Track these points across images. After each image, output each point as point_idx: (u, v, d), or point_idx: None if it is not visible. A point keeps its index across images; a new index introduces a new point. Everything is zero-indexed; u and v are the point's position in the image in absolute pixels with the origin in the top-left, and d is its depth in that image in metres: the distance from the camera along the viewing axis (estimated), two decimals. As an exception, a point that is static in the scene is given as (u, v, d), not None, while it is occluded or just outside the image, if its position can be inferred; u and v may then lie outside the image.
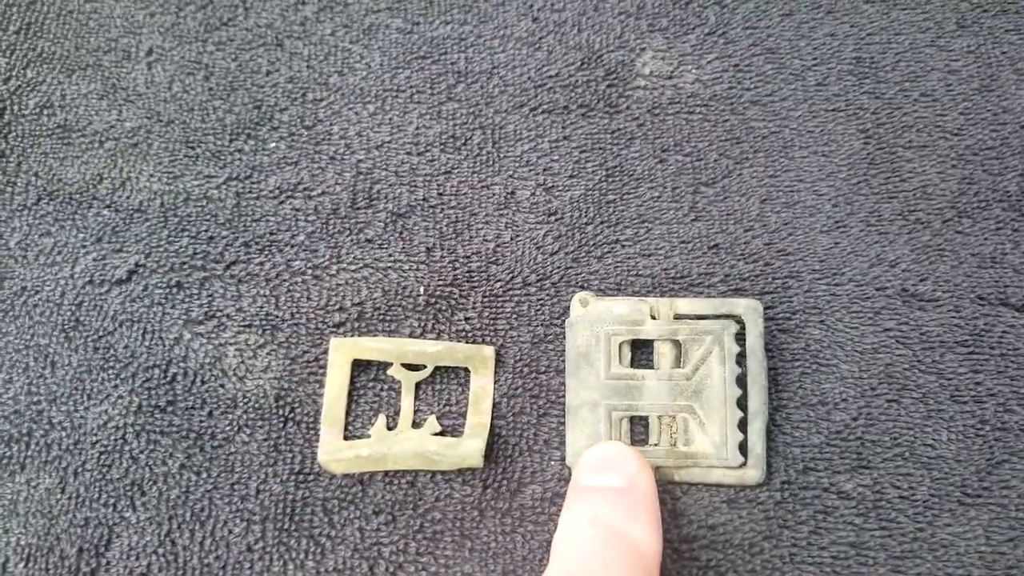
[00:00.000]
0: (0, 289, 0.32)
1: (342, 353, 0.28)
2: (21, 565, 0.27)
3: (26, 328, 0.31)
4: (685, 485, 0.25)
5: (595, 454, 0.23)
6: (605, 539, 0.20)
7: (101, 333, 0.31)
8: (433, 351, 0.28)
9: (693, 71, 0.33)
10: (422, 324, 0.29)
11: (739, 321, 0.27)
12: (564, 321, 0.29)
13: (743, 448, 0.25)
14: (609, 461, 0.23)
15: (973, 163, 0.30)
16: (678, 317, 0.27)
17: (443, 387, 0.28)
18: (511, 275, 0.30)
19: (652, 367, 0.27)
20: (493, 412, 0.27)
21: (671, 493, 0.26)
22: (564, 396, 0.27)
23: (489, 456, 0.27)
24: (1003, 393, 0.26)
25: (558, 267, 0.30)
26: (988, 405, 0.26)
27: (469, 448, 0.26)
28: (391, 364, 0.28)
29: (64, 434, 0.29)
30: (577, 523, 0.21)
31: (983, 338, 0.27)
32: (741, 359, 0.27)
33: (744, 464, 0.25)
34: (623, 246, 0.30)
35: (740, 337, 0.27)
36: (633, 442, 0.26)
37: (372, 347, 0.28)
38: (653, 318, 0.27)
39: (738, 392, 0.26)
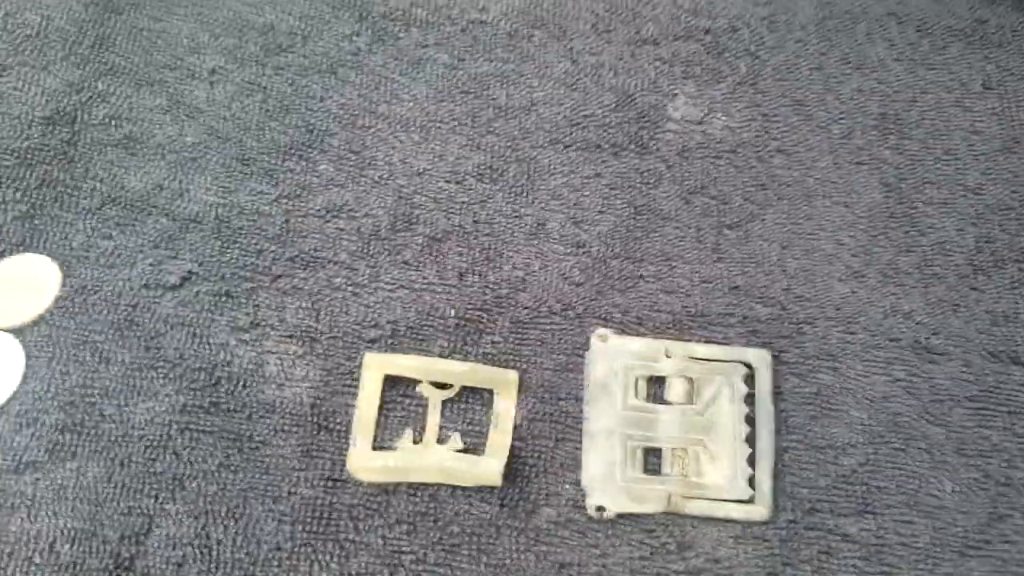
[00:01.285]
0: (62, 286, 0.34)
1: (375, 368, 0.30)
2: (67, 547, 0.29)
3: (84, 325, 0.33)
4: (695, 520, 0.27)
5: None
6: None
7: (153, 334, 0.33)
8: (460, 371, 0.30)
9: (722, 118, 0.34)
10: (451, 344, 0.31)
11: (749, 366, 0.28)
12: (585, 352, 0.30)
13: (752, 482, 0.27)
14: None
15: (991, 222, 0.31)
16: (692, 359, 0.29)
17: (468, 406, 0.30)
18: (537, 303, 0.32)
19: (666, 402, 0.29)
20: (514, 433, 0.29)
21: (680, 526, 0.27)
22: (582, 422, 0.29)
23: (507, 475, 0.28)
24: (1009, 449, 0.27)
25: (582, 298, 0.32)
26: (993, 460, 0.27)
27: (489, 466, 0.28)
28: (420, 381, 0.30)
29: (113, 426, 0.31)
30: None
31: (992, 394, 0.28)
32: (750, 399, 0.28)
33: (753, 499, 0.26)
34: (646, 282, 0.32)
35: (750, 379, 0.28)
36: (647, 471, 0.28)
37: (403, 364, 0.30)
38: (668, 357, 0.29)
39: (747, 429, 0.27)
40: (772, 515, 0.26)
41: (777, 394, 0.28)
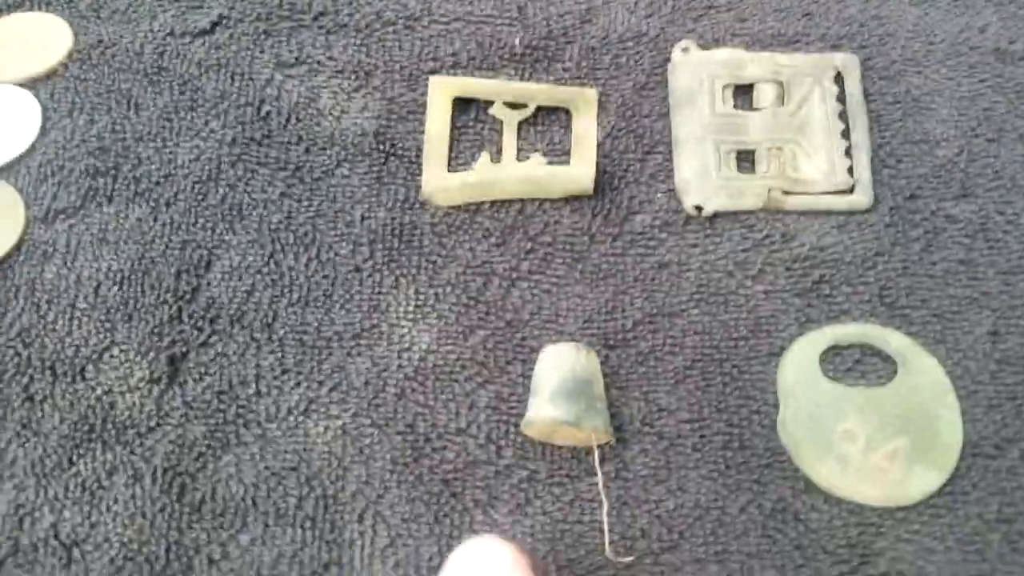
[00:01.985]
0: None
1: (443, 91, 0.28)
2: (115, 288, 0.27)
3: (105, 75, 0.30)
4: (795, 214, 0.26)
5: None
6: None
7: (187, 78, 0.30)
8: (535, 90, 0.28)
9: None
10: (519, 72, 0.29)
11: (837, 72, 0.28)
12: (666, 69, 0.29)
13: (851, 174, 0.26)
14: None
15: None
16: (780, 65, 0.28)
17: (545, 128, 0.28)
18: (606, 33, 0.30)
19: (755, 108, 0.28)
20: (597, 151, 0.27)
21: (782, 220, 0.26)
22: (668, 136, 0.27)
23: (596, 189, 0.27)
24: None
25: (654, 27, 0.30)
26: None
27: (579, 172, 0.26)
28: (493, 103, 0.28)
29: (153, 167, 0.28)
30: None
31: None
32: (841, 100, 0.27)
33: (853, 188, 0.26)
34: (718, 11, 0.30)
35: (839, 81, 0.28)
36: (740, 171, 0.27)
37: (474, 85, 0.28)
38: (753, 64, 0.28)
39: (841, 126, 0.27)
40: (873, 203, 0.26)
41: (867, 96, 0.28)
